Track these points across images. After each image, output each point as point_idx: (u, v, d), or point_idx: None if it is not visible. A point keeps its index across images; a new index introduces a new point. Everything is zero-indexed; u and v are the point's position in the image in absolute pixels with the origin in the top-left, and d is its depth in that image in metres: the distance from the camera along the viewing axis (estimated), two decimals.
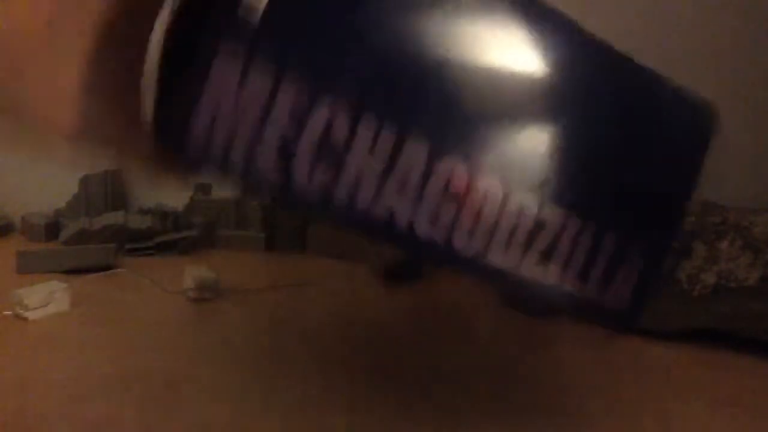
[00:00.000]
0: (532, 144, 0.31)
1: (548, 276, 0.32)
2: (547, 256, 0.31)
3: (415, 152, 0.30)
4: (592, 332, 0.56)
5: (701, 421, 0.41)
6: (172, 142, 0.28)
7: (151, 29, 0.30)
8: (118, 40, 0.30)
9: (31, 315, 0.57)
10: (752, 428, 0.41)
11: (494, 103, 0.30)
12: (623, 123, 0.32)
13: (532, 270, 0.31)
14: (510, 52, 0.30)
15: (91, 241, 0.76)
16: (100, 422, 0.41)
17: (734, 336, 0.52)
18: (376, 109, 0.29)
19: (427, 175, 0.30)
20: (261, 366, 0.49)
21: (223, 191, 0.84)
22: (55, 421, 0.41)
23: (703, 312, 0.53)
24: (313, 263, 0.76)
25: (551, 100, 0.31)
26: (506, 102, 0.30)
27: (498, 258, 0.31)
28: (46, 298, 0.58)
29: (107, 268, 0.71)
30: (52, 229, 0.82)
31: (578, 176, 0.31)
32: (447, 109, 0.30)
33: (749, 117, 0.72)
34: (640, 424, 0.41)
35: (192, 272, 0.64)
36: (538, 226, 0.31)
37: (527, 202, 0.31)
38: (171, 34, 0.28)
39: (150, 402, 0.43)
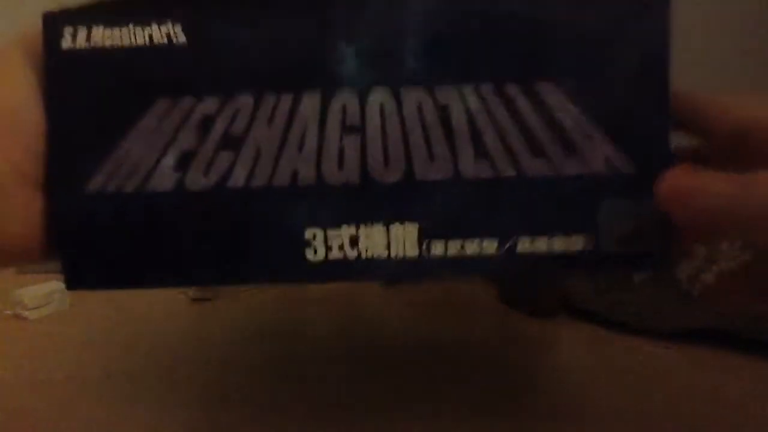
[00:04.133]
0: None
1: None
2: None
3: (311, 101, 0.27)
4: (592, 332, 0.56)
5: (701, 421, 0.41)
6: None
7: None
8: None
9: (31, 315, 0.57)
10: (752, 428, 0.41)
11: None
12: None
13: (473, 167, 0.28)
14: None
15: None
16: (99, 422, 0.41)
17: (734, 336, 0.52)
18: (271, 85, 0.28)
19: (323, 121, 0.27)
20: (261, 366, 0.49)
21: None
22: (55, 421, 0.41)
23: (703, 312, 0.52)
24: None
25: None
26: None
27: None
28: (46, 298, 0.58)
29: None
30: None
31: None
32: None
33: None
34: (640, 424, 0.41)
35: None
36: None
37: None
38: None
39: (149, 402, 0.43)
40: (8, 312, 0.57)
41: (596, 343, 0.54)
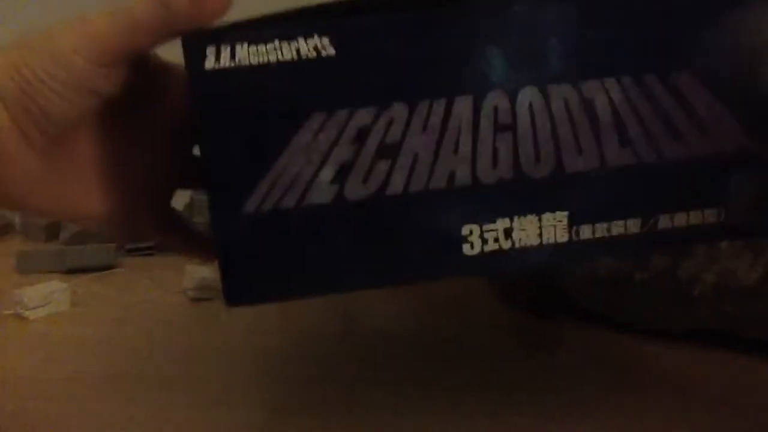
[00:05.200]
0: None
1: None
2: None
3: (463, 105, 0.28)
4: (592, 332, 0.56)
5: (701, 421, 0.41)
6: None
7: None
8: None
9: (31, 314, 0.57)
10: (752, 428, 0.41)
11: None
12: None
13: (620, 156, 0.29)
14: None
15: (91, 240, 0.76)
16: (100, 422, 0.41)
17: (734, 336, 0.52)
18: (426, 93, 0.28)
19: (476, 123, 0.28)
20: (261, 366, 0.49)
21: None
22: (56, 421, 0.41)
23: (703, 312, 0.52)
24: None
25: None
26: None
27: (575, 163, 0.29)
28: (46, 298, 0.58)
29: (107, 267, 0.71)
30: (52, 228, 0.82)
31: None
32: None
33: None
34: (640, 424, 0.41)
35: (192, 272, 0.64)
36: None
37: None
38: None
39: (150, 402, 0.43)
40: (8, 312, 0.57)
41: (596, 343, 0.54)
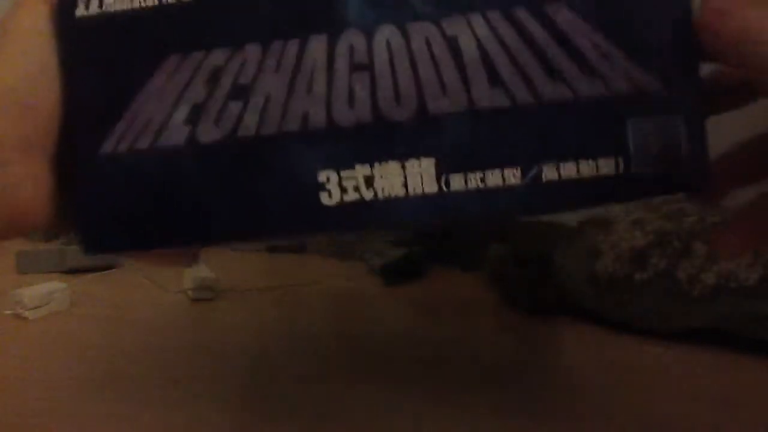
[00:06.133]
0: None
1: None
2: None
3: (317, 44, 0.28)
4: (592, 332, 0.56)
5: (701, 421, 0.41)
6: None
7: None
8: None
9: (31, 314, 0.57)
10: (752, 428, 0.41)
11: None
12: None
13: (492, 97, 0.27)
14: None
15: None
16: (100, 422, 0.41)
17: (734, 336, 0.52)
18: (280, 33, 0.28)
19: (331, 63, 0.27)
20: (261, 366, 0.49)
21: None
22: (55, 420, 0.41)
23: (703, 312, 0.53)
24: (313, 263, 0.77)
25: None
26: None
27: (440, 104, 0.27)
28: (46, 298, 0.58)
29: (107, 267, 0.71)
30: None
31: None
32: None
33: (749, 115, 0.72)
34: (640, 424, 0.41)
35: (192, 272, 0.65)
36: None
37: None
38: None
39: (149, 402, 0.43)
40: (8, 312, 0.57)
41: (596, 343, 0.54)
